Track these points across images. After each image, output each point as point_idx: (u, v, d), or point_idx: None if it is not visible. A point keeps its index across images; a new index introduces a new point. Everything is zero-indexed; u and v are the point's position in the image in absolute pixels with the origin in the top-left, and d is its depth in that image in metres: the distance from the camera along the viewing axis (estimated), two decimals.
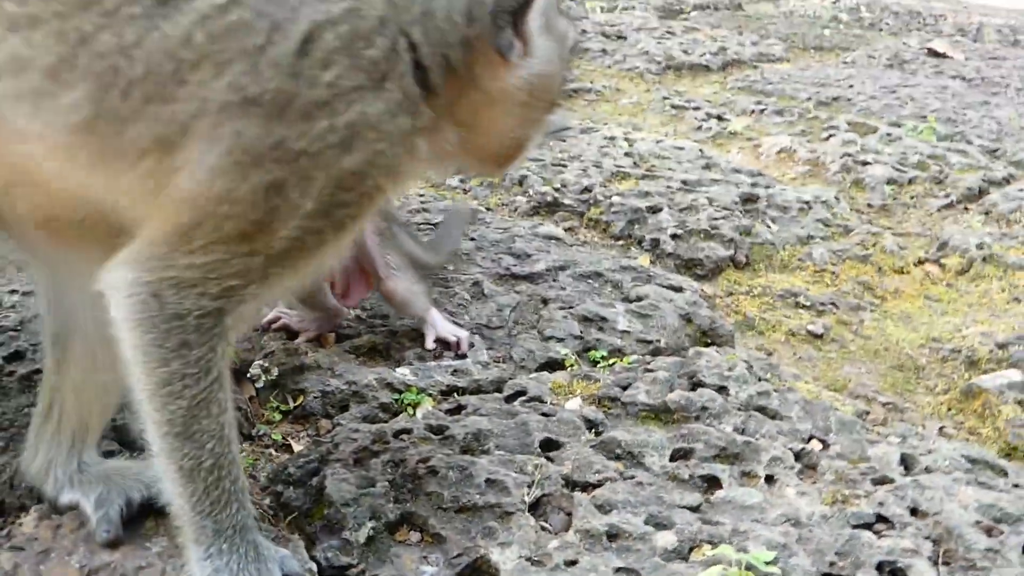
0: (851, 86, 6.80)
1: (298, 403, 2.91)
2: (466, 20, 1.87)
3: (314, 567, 2.22)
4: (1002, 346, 3.46)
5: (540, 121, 2.08)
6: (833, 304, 3.85)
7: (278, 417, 2.86)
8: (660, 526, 2.33)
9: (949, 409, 3.25)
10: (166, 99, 1.69)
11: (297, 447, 2.72)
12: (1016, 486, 2.66)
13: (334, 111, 1.72)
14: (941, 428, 3.13)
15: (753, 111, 6.24)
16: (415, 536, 2.37)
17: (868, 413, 3.07)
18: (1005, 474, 2.71)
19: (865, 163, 5.18)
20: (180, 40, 1.68)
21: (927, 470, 2.64)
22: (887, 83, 6.88)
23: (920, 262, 4.25)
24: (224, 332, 1.82)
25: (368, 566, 2.27)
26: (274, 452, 2.71)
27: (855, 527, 2.37)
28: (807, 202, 4.63)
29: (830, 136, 5.67)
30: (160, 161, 1.72)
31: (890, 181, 5.00)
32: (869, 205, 4.87)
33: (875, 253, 4.23)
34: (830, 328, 3.70)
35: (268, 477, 2.54)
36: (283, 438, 2.76)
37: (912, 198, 4.95)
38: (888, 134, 5.68)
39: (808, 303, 3.84)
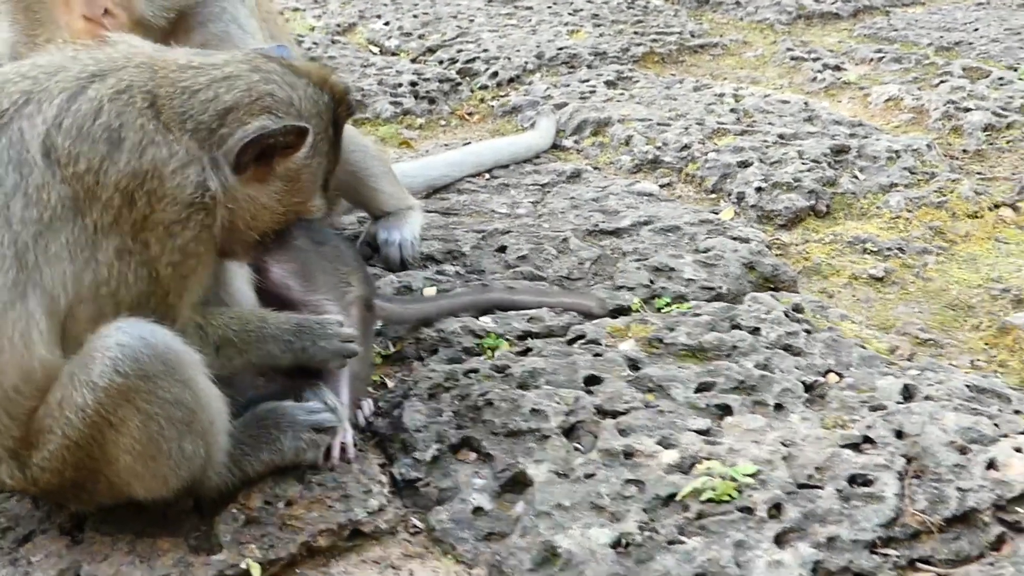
0: (976, 29, 6.90)
1: (397, 348, 3.47)
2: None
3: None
4: None
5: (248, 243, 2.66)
6: (900, 249, 4.16)
7: (379, 361, 3.42)
8: (669, 446, 2.79)
9: (986, 344, 3.56)
10: None
11: (390, 384, 3.29)
12: (1018, 412, 3.00)
13: None
14: (972, 362, 3.46)
15: (872, 59, 6.44)
16: (472, 456, 2.91)
17: (897, 348, 3.43)
18: (1009, 401, 3.05)
19: (967, 109, 5.38)
20: None
21: (927, 398, 3.01)
22: (1013, 24, 6.94)
23: (996, 206, 4.49)
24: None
25: (433, 479, 2.83)
26: (373, 390, 3.27)
27: (841, 447, 2.78)
28: (897, 151, 4.89)
29: (941, 83, 5.85)
30: None
31: (987, 127, 5.19)
32: (964, 151, 5.09)
33: (951, 199, 4.49)
34: (892, 271, 4.03)
35: None
36: (381, 378, 3.33)
37: (1008, 143, 5.13)
38: (1000, 78, 5.82)
39: (876, 248, 4.17)
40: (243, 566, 2.49)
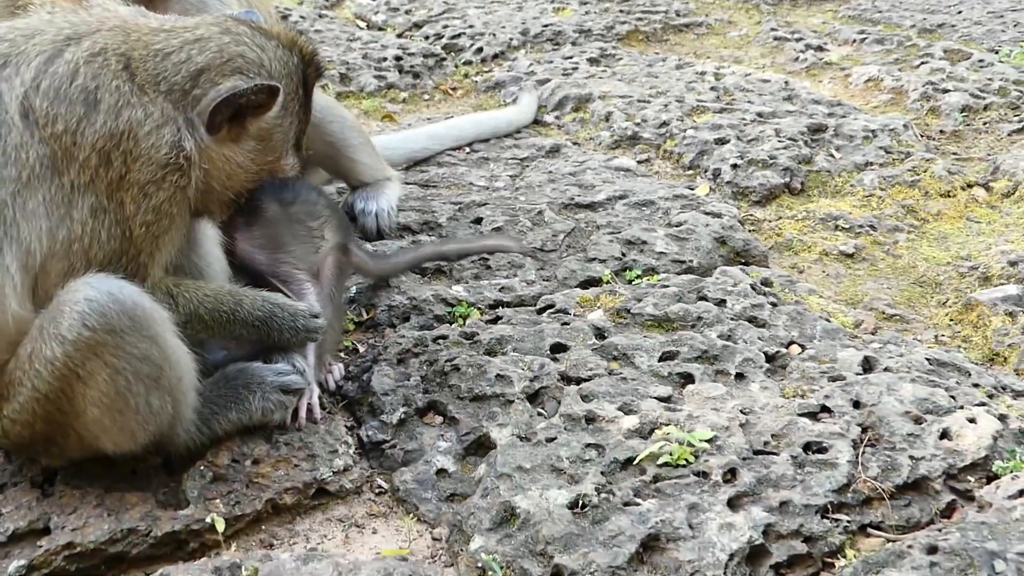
0: (959, 12, 6.94)
1: (370, 315, 3.52)
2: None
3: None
4: (1013, 263, 3.78)
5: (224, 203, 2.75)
6: (871, 226, 4.22)
7: (352, 327, 3.47)
8: (629, 412, 2.85)
9: (951, 320, 3.62)
10: None
11: (361, 349, 3.34)
12: (976, 385, 3.06)
13: None
14: (936, 336, 3.51)
15: (855, 40, 6.48)
16: (438, 419, 2.96)
17: (862, 323, 3.48)
18: (968, 374, 3.11)
19: (946, 90, 5.42)
20: None
21: (886, 370, 3.06)
22: (996, 7, 6.99)
23: (969, 186, 4.54)
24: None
25: (399, 441, 2.89)
26: (344, 355, 3.32)
27: (799, 415, 2.83)
28: (873, 131, 4.94)
29: (921, 64, 5.89)
30: None
31: (965, 108, 5.24)
32: (941, 132, 5.14)
33: (924, 178, 4.54)
34: (863, 248, 4.08)
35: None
36: (353, 344, 3.38)
37: (985, 124, 5.18)
38: (980, 60, 5.86)
39: (847, 226, 4.22)
40: (208, 520, 2.55)
